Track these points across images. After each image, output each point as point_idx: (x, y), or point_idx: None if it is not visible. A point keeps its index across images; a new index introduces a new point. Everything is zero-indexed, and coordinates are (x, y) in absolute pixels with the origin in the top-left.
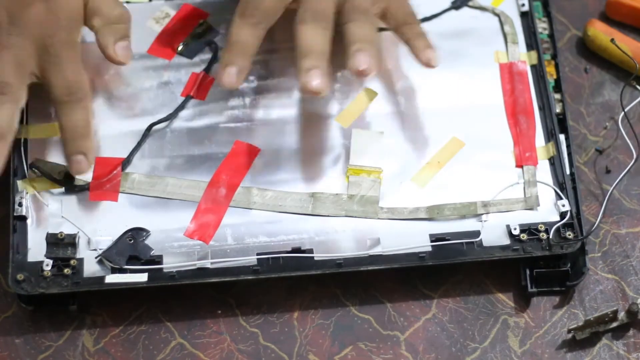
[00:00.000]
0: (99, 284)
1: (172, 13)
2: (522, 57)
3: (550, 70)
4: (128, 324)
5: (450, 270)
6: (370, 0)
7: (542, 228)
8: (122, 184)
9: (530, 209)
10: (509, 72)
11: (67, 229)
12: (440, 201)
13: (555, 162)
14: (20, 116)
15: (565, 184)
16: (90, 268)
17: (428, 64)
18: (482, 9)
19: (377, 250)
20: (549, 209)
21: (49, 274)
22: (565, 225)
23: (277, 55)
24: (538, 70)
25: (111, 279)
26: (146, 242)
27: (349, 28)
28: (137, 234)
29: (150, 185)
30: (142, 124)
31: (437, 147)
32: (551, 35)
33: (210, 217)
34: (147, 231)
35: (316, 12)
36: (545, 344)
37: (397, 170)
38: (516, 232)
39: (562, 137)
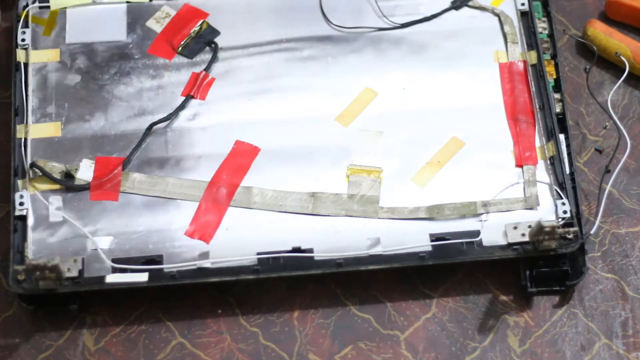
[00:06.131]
0: (100, 284)
1: (173, 13)
2: (522, 57)
3: (550, 70)
4: (128, 324)
5: (450, 269)
6: None
7: None
8: (123, 184)
9: (530, 208)
10: (508, 72)
11: (65, 229)
12: (440, 201)
13: (555, 162)
14: (21, 116)
15: (565, 184)
16: (91, 268)
17: None
18: (482, 8)
19: (377, 250)
20: (548, 208)
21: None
22: (565, 225)
23: (277, 55)
24: (538, 70)
25: (112, 278)
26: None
27: None
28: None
29: (151, 185)
30: (143, 124)
31: (437, 147)
32: (551, 35)
33: (210, 216)
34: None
35: None
36: (545, 343)
37: (397, 170)
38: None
39: (562, 137)
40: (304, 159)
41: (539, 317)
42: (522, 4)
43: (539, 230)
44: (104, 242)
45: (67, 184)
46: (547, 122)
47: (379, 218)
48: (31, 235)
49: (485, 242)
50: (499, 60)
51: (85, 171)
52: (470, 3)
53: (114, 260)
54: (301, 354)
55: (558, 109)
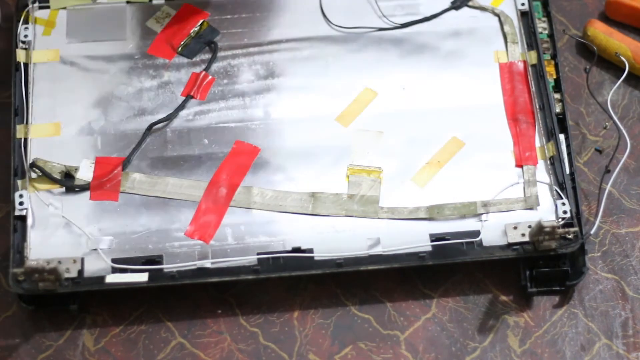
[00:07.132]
0: (100, 284)
1: (173, 13)
2: (522, 57)
3: (550, 70)
4: (128, 324)
5: (450, 270)
6: None
7: None
8: (123, 184)
9: (530, 208)
10: (508, 72)
11: (64, 229)
12: (440, 201)
13: (555, 162)
14: (21, 116)
15: (565, 184)
16: (91, 268)
17: None
18: (482, 8)
19: (377, 250)
20: (548, 208)
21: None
22: (565, 225)
23: (277, 55)
24: (538, 70)
25: (111, 278)
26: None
27: None
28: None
29: (151, 185)
30: (142, 124)
31: (437, 147)
32: (551, 35)
33: (210, 216)
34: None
35: None
36: (544, 344)
37: (397, 170)
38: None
39: (562, 137)
40: (304, 159)
41: (539, 317)
42: (522, 4)
43: (539, 230)
44: (104, 242)
45: (67, 184)
46: (547, 122)
47: (379, 218)
48: (31, 236)
49: (485, 242)
50: (499, 60)
51: (85, 171)
52: (470, 3)
53: (114, 260)
54: (301, 354)
55: (558, 109)
